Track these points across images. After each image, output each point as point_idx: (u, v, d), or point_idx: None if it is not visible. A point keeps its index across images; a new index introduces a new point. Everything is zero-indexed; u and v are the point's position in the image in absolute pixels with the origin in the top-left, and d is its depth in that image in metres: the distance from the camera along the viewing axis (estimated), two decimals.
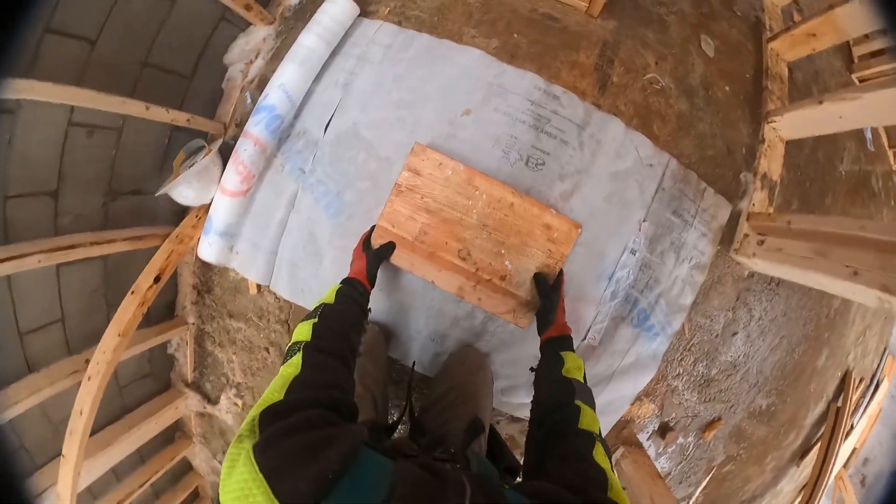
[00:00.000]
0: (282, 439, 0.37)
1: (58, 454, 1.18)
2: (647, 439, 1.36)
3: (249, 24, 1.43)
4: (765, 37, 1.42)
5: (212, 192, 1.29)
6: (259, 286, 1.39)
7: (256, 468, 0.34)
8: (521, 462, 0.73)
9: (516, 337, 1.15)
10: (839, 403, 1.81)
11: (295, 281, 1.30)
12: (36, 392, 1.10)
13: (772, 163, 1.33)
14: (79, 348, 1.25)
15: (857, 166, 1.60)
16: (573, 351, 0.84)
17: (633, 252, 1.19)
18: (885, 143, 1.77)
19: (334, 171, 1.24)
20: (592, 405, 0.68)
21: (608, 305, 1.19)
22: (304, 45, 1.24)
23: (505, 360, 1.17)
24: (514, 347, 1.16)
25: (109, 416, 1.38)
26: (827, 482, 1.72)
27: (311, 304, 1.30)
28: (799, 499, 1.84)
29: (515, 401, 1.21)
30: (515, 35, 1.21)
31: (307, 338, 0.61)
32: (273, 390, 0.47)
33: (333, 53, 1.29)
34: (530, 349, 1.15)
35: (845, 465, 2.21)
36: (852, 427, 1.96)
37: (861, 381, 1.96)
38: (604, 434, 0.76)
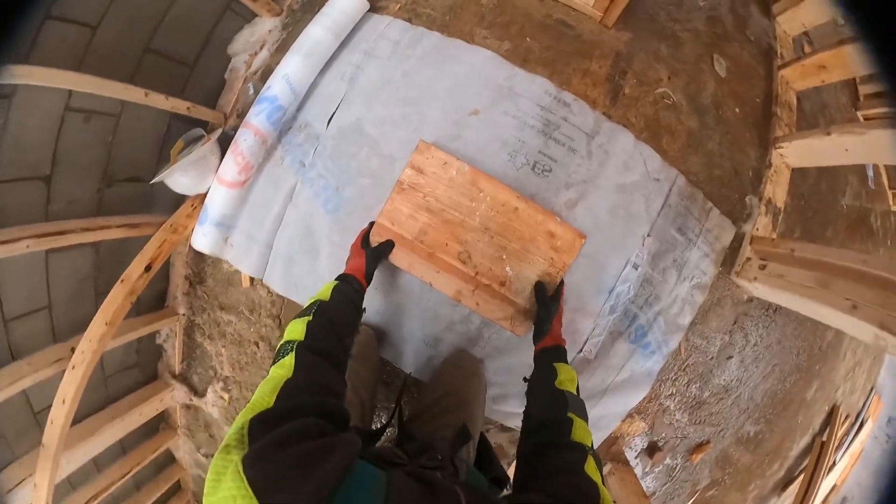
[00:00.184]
0: (273, 452, 0.35)
1: (37, 444, 1.16)
2: (636, 457, 1.34)
3: (256, 14, 1.41)
4: (776, 63, 1.43)
5: (208, 181, 1.27)
6: (252, 279, 1.36)
7: (245, 483, 0.32)
8: (510, 473, 0.72)
9: (511, 345, 1.13)
10: (824, 438, 1.81)
11: (289, 276, 1.28)
12: (18, 380, 1.07)
13: (777, 189, 1.34)
14: (65, 336, 1.22)
15: (858, 202, 1.61)
16: (567, 363, 0.83)
17: (635, 266, 1.18)
18: (886, 183, 1.79)
19: (335, 165, 1.21)
20: (585, 418, 0.67)
21: (606, 319, 1.17)
22: (310, 37, 1.22)
23: (498, 368, 1.15)
24: (509, 355, 1.14)
25: (93, 406, 1.35)
26: None
27: (303, 300, 1.26)
28: None
29: (506, 409, 1.18)
30: (528, 39, 1.20)
31: (300, 337, 0.59)
32: (263, 394, 0.45)
33: (340, 46, 1.27)
34: (525, 358, 1.12)
35: (824, 502, 2.21)
36: (834, 463, 1.97)
37: (847, 417, 1.96)
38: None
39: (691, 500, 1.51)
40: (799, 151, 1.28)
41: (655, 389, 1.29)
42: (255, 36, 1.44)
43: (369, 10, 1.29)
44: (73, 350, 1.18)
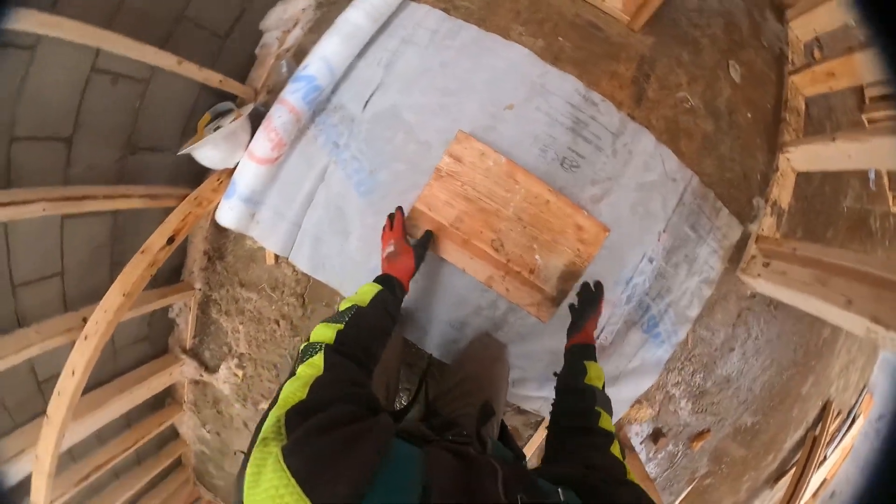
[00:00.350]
0: (311, 439, 0.38)
1: (39, 413, 1.20)
2: (640, 443, 1.52)
3: None
4: (787, 69, 1.61)
5: (237, 156, 1.34)
6: (277, 257, 1.46)
7: (287, 472, 0.34)
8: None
9: (534, 331, 1.28)
10: (817, 432, 2.03)
11: (317, 255, 1.38)
12: (25, 348, 1.09)
13: (783, 191, 1.52)
14: (76, 305, 1.25)
15: (859, 204, 1.82)
16: (595, 360, 0.93)
17: (650, 260, 1.34)
18: (887, 185, 2.01)
19: (370, 149, 1.33)
20: (610, 413, 0.76)
21: (623, 309, 1.34)
22: (350, 21, 1.31)
23: (520, 353, 1.30)
24: (531, 341, 1.29)
25: (100, 378, 1.41)
26: None
27: (330, 280, 1.38)
28: None
29: (524, 392, 1.34)
30: (560, 38, 1.34)
31: (329, 341, 0.62)
32: (294, 390, 0.48)
33: (377, 32, 1.37)
34: (546, 344, 1.29)
35: (814, 495, 2.45)
36: (825, 458, 2.20)
37: (839, 413, 2.20)
38: None
39: (689, 487, 1.71)
40: (805, 156, 1.46)
41: (663, 378, 1.47)
42: (288, 13, 1.54)
43: None
44: (84, 320, 1.20)
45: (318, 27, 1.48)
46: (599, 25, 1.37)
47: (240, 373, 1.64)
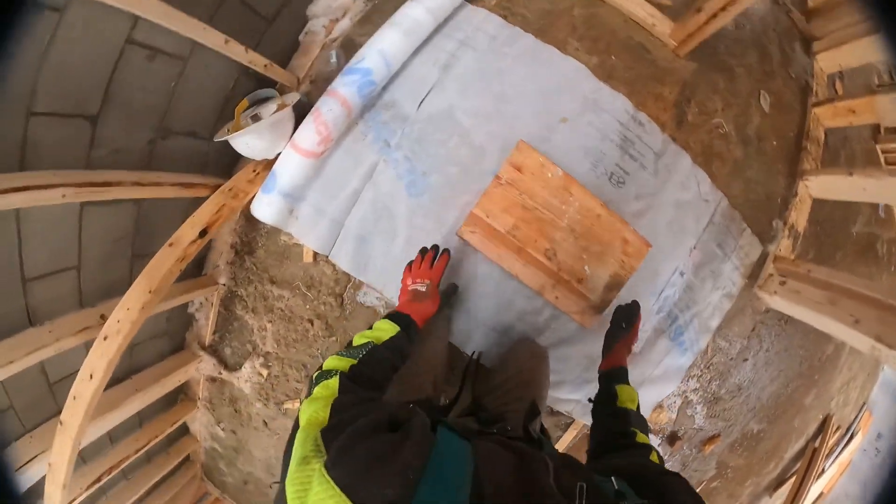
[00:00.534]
0: (352, 448, 0.41)
1: (51, 416, 1.22)
2: (658, 445, 1.74)
3: None
4: (810, 101, 1.86)
5: (279, 147, 1.38)
6: (316, 255, 1.53)
7: (333, 484, 0.37)
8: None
9: (573, 336, 1.47)
10: (817, 444, 2.32)
11: (360, 255, 1.49)
12: (37, 349, 1.07)
13: (800, 216, 1.76)
14: (93, 301, 1.24)
15: (868, 229, 2.10)
16: (627, 383, 1.01)
17: (681, 274, 1.56)
18: (895, 213, 2.31)
19: (422, 150, 1.45)
20: (646, 432, 0.85)
21: (654, 318, 1.54)
22: (410, 16, 1.39)
23: (557, 356, 1.49)
24: (569, 345, 1.48)
25: (115, 375, 1.33)
26: None
27: (373, 281, 1.51)
28: None
29: (559, 395, 1.53)
30: (613, 57, 1.53)
31: (343, 370, 0.67)
32: (316, 410, 0.52)
33: (433, 31, 1.46)
34: (583, 349, 1.48)
35: None
36: (823, 470, 2.50)
37: (838, 427, 2.51)
38: None
39: (698, 489, 1.95)
40: (822, 185, 1.71)
41: (683, 383, 1.68)
42: (337, 1, 1.59)
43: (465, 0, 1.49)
44: (102, 317, 1.20)
45: (369, 19, 1.57)
46: (648, 48, 1.56)
47: (265, 372, 1.73)
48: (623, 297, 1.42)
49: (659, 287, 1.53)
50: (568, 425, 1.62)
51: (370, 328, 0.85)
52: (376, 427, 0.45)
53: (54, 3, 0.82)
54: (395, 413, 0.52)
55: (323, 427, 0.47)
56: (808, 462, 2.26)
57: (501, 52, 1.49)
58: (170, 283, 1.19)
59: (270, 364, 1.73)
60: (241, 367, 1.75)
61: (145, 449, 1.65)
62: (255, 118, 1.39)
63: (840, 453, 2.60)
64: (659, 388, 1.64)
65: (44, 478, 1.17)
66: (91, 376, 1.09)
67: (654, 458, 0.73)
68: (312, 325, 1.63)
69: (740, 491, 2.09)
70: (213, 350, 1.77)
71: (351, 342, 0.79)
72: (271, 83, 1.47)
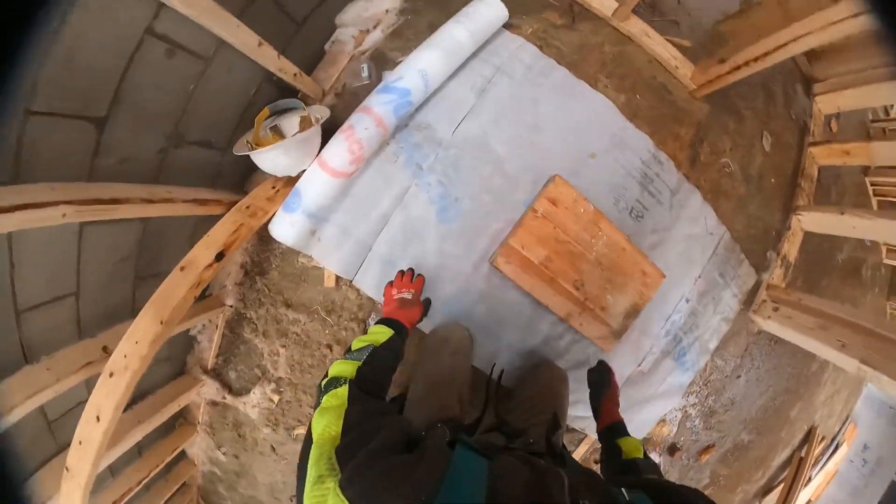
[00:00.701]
0: (367, 468, 0.45)
1: (51, 457, 1.17)
2: (659, 456, 2.02)
3: None
4: (807, 140, 2.16)
5: (304, 164, 1.37)
6: (338, 279, 1.57)
7: (348, 503, 0.42)
8: None
9: (590, 359, 1.71)
10: (803, 454, 2.68)
11: (386, 279, 1.43)
12: (35, 393, 0.99)
13: (791, 247, 2.07)
14: (93, 331, 1.17)
15: (854, 254, 2.44)
16: (626, 435, 1.10)
17: (687, 301, 1.82)
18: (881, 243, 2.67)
19: (457, 176, 1.56)
20: (658, 474, 0.95)
21: (661, 341, 1.81)
22: (452, 36, 1.44)
23: (575, 378, 1.71)
24: (586, 368, 1.71)
25: None
26: None
27: None
28: None
29: (575, 413, 1.77)
30: (638, 96, 1.76)
31: (351, 377, 0.74)
32: (328, 423, 0.56)
33: (471, 55, 1.54)
34: None
35: None
36: (810, 479, 2.87)
37: (823, 438, 2.88)
38: None
39: None
40: (814, 220, 2.01)
41: (684, 399, 1.96)
42: (368, 11, 1.62)
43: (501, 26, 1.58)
44: (105, 350, 1.14)
45: (400, 33, 1.63)
46: (669, 89, 1.81)
47: (276, 398, 1.74)
48: (637, 325, 1.66)
49: (667, 313, 1.79)
50: (581, 440, 1.87)
51: (366, 333, 0.97)
52: (391, 448, 0.50)
53: None
54: (410, 432, 0.58)
55: (337, 445, 0.52)
56: (794, 471, 2.62)
57: (537, 83, 1.65)
58: (183, 312, 1.12)
59: (282, 389, 1.74)
60: (248, 392, 1.76)
61: (147, 478, 1.62)
62: (275, 129, 1.42)
63: (826, 463, 2.99)
64: (662, 403, 1.91)
65: None
66: (98, 418, 1.01)
67: None
68: (331, 350, 1.66)
69: (731, 498, 2.42)
70: (217, 374, 1.77)
71: (350, 347, 0.88)
72: (293, 92, 1.46)
